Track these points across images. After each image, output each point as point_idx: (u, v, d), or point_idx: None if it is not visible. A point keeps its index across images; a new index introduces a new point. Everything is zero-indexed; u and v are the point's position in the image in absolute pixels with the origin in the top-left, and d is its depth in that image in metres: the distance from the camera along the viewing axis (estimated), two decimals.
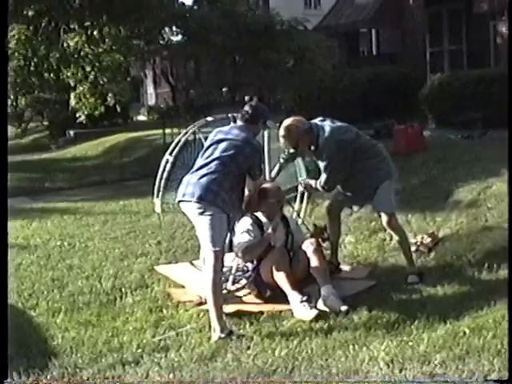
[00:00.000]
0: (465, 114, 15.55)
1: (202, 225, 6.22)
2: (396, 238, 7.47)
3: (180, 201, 6.42)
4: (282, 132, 6.99)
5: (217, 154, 6.34)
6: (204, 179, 6.22)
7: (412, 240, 8.01)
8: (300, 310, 6.33)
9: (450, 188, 10.00)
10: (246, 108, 6.58)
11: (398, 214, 7.63)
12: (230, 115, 7.38)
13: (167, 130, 18.57)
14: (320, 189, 7.33)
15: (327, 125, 7.06)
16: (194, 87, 29.08)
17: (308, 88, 19.06)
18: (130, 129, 27.14)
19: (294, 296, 6.46)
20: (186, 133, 7.80)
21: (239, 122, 6.63)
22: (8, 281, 5.96)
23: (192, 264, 7.92)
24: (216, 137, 6.54)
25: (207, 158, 6.38)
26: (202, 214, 6.18)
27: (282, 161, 7.46)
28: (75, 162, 23.56)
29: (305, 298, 6.39)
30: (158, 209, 7.67)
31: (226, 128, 6.70)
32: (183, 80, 31.01)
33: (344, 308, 6.28)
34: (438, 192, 10.01)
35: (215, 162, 6.29)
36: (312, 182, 7.43)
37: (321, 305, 6.41)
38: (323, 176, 7.12)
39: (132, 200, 13.37)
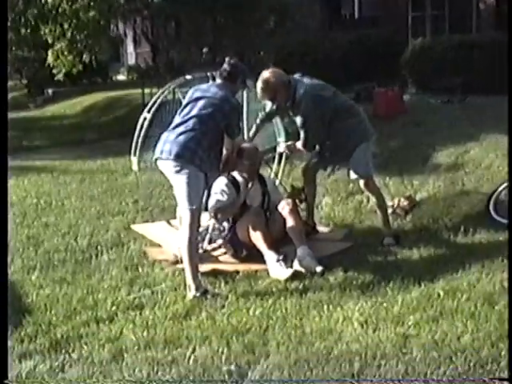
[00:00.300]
0: (445, 78, 15.54)
1: (179, 183, 6.17)
2: (373, 200, 7.44)
3: (157, 159, 6.35)
4: (259, 84, 6.87)
5: (195, 111, 6.28)
6: (182, 137, 6.17)
7: (389, 203, 8.00)
8: (276, 269, 6.33)
9: (429, 152, 10.04)
10: (225, 66, 6.50)
11: (376, 176, 7.61)
12: (208, 74, 7.31)
13: (146, 90, 18.40)
14: (302, 149, 7.26)
15: (305, 80, 6.99)
16: (175, 47, 28.79)
17: (290, 48, 18.93)
18: (110, 88, 26.98)
19: (270, 255, 6.46)
20: (165, 91, 7.72)
21: (218, 80, 6.56)
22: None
23: (169, 223, 7.91)
24: (194, 95, 6.47)
25: (185, 115, 6.32)
26: (179, 172, 6.13)
27: (258, 121, 7.42)
28: (54, 120, 23.43)
29: (281, 257, 6.39)
30: (135, 167, 7.65)
31: (204, 86, 6.63)
32: (164, 40, 30.66)
33: (319, 269, 6.28)
34: (416, 156, 10.05)
35: (193, 120, 6.23)
36: (294, 144, 7.37)
37: (296, 265, 6.41)
38: (302, 134, 7.06)
39: (110, 159, 13.32)
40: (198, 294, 5.87)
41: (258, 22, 18.15)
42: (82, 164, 13.50)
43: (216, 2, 17.80)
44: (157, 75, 22.82)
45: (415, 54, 17.11)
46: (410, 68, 16.92)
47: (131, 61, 38.41)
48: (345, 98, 7.44)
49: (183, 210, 6.23)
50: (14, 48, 21.71)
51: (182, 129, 6.23)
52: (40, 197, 10.22)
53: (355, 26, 23.04)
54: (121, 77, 33.95)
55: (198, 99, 6.38)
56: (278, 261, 6.36)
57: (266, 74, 6.89)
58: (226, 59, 6.65)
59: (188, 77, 7.86)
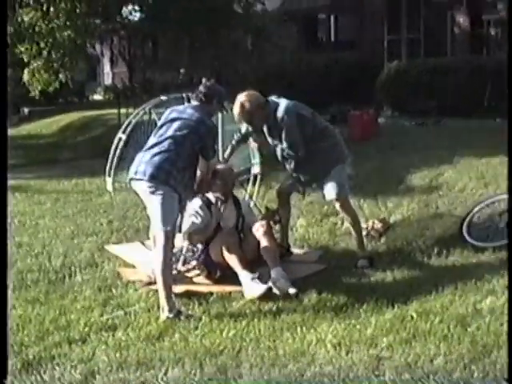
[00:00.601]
0: (420, 101, 15.72)
1: (153, 204, 6.14)
2: (348, 221, 7.44)
3: (131, 179, 6.32)
4: (236, 108, 6.85)
5: (170, 132, 6.26)
6: (156, 158, 6.14)
7: (363, 225, 8.01)
8: (251, 286, 6.31)
9: (403, 174, 10.09)
10: (201, 88, 6.50)
11: (351, 198, 7.63)
12: (184, 95, 7.33)
13: (122, 110, 18.36)
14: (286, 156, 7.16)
15: (284, 101, 6.99)
16: (152, 67, 28.84)
17: (266, 69, 19.02)
18: (86, 107, 26.88)
19: (244, 274, 6.45)
20: (140, 112, 7.72)
21: (194, 102, 6.57)
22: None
23: (142, 244, 7.87)
24: (170, 116, 6.46)
25: (160, 136, 6.30)
26: (153, 193, 6.11)
27: (234, 142, 7.40)
28: (29, 139, 23.28)
29: (256, 275, 6.40)
30: (109, 187, 7.70)
31: (180, 107, 6.62)
32: (141, 60, 30.71)
33: (293, 291, 6.27)
34: (390, 178, 10.09)
35: (168, 141, 6.21)
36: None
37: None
38: (285, 147, 7.00)
39: (85, 179, 13.27)
40: (171, 316, 5.84)
41: (235, 43, 18.13)
42: (57, 183, 13.42)
43: (192, 22, 17.79)
44: (133, 95, 22.86)
45: (391, 77, 17.30)
46: (385, 91, 17.10)
47: (108, 80, 38.44)
48: (321, 119, 7.46)
49: (157, 231, 6.20)
50: None
51: (156, 150, 6.20)
52: (14, 216, 10.11)
53: (331, 49, 23.19)
54: (97, 96, 33.92)
55: (173, 120, 6.35)
56: (252, 279, 6.36)
57: (241, 97, 6.87)
58: (203, 81, 6.67)
59: (163, 98, 7.90)
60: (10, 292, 6.51)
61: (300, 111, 6.97)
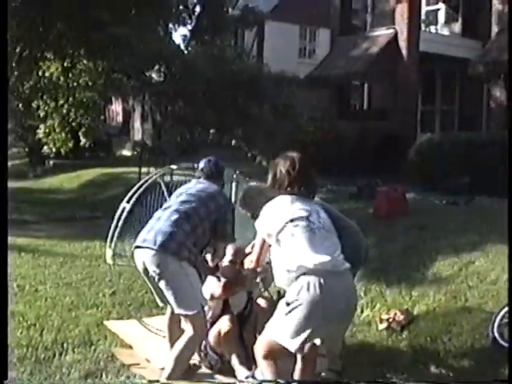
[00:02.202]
0: (452, 177, 15.20)
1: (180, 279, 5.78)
2: None
3: (137, 246, 5.93)
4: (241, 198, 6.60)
5: (186, 207, 5.99)
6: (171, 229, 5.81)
7: (384, 316, 7.55)
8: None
9: (430, 260, 9.47)
10: (210, 165, 6.41)
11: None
12: (195, 164, 6.91)
13: (144, 169, 18.09)
14: None
15: None
16: (180, 126, 28.70)
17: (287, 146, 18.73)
18: (111, 163, 26.87)
19: (240, 371, 6.05)
20: (148, 180, 7.34)
21: (202, 179, 6.37)
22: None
23: (141, 322, 7.33)
24: (180, 192, 6.28)
25: (175, 208, 6.02)
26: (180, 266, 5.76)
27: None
28: (49, 193, 23.34)
29: (251, 374, 5.91)
30: (109, 260, 7.25)
31: (191, 184, 6.41)
32: (169, 118, 30.61)
33: None
34: (417, 263, 9.46)
35: (183, 214, 5.94)
36: None
37: None
38: None
39: (97, 241, 12.77)
40: None
41: (257, 117, 17.82)
42: (67, 245, 13.11)
43: (218, 90, 17.65)
44: (161, 153, 22.64)
45: (422, 149, 16.89)
46: (416, 165, 16.66)
47: (137, 136, 38.34)
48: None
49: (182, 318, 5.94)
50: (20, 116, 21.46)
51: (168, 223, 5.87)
52: (14, 279, 9.65)
53: (363, 117, 23.05)
54: (126, 152, 33.80)
55: (180, 195, 6.19)
56: (247, 378, 5.88)
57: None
58: (207, 159, 6.49)
59: (173, 166, 7.73)
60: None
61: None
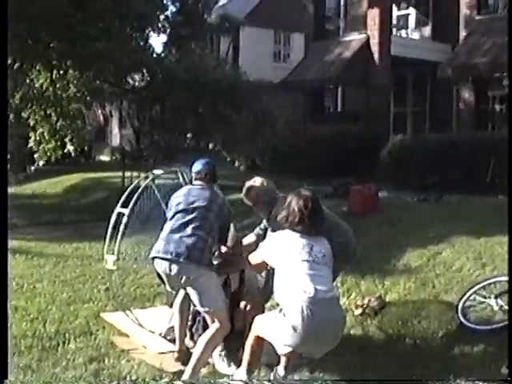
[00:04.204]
0: (423, 176, 15.75)
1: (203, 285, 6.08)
2: None
3: (159, 258, 6.18)
4: (243, 190, 6.79)
5: (194, 213, 6.22)
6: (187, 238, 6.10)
7: (359, 302, 8.06)
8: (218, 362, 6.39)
9: (401, 252, 10.07)
10: (205, 168, 6.56)
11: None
12: (177, 169, 7.32)
13: (127, 173, 18.44)
14: None
15: None
16: (159, 131, 28.98)
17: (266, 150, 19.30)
18: (92, 168, 27.05)
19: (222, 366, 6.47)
20: (139, 185, 7.55)
21: (198, 182, 6.55)
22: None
23: (129, 316, 7.71)
24: (175, 201, 6.42)
25: (183, 216, 6.24)
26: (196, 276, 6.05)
27: (257, 231, 7.16)
28: (33, 199, 23.45)
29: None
30: (110, 266, 7.43)
31: (184, 190, 6.55)
32: (148, 123, 30.86)
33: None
34: (389, 255, 10.07)
35: (195, 222, 6.18)
36: None
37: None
38: None
39: (86, 243, 13.30)
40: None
41: (237, 122, 18.28)
42: (58, 246, 13.49)
43: (198, 97, 18.06)
44: (140, 157, 22.98)
45: (395, 150, 17.35)
46: (389, 164, 17.12)
47: (115, 142, 38.56)
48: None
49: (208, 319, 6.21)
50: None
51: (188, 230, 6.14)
52: (12, 278, 10.10)
53: (337, 120, 23.35)
54: (104, 157, 34.05)
55: (178, 204, 6.34)
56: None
57: (250, 181, 6.83)
58: (204, 161, 6.66)
59: (157, 171, 7.85)
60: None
61: None
